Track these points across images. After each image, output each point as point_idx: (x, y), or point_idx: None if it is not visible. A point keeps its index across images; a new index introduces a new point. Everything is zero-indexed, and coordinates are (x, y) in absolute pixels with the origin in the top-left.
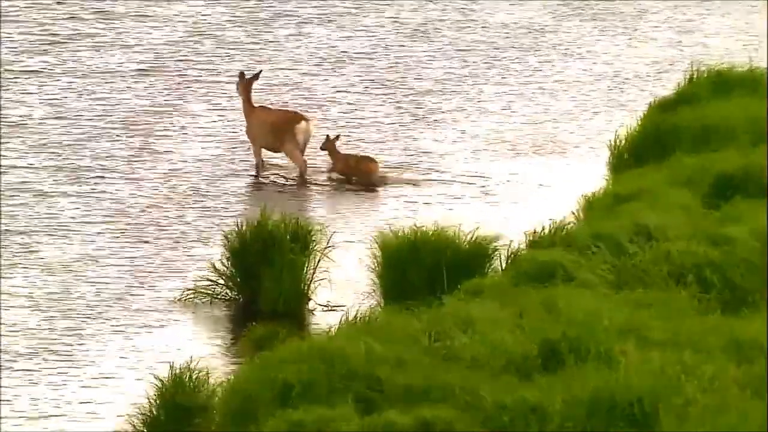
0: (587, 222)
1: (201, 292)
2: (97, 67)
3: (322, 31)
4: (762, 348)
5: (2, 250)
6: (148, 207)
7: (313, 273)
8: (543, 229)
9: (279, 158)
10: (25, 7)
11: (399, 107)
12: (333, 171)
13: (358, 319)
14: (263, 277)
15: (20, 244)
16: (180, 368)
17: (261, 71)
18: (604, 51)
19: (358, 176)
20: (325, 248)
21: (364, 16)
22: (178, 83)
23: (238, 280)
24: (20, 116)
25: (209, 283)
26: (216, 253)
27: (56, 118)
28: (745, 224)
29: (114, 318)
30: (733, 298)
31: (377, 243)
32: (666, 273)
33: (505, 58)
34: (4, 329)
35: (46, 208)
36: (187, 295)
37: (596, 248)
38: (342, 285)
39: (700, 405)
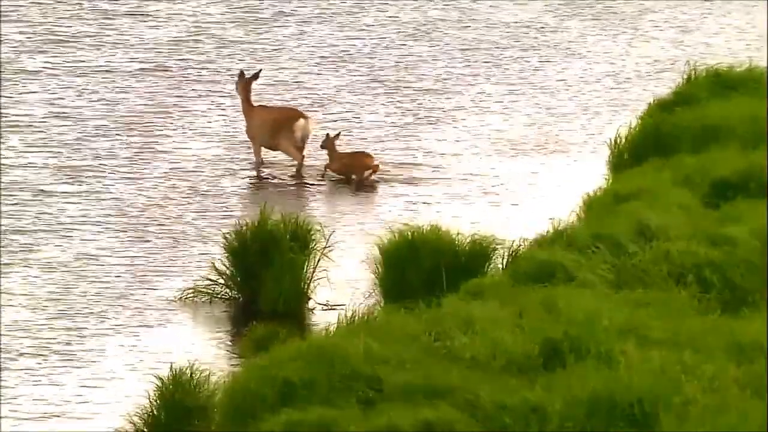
0: (587, 222)
1: (201, 292)
2: (97, 67)
3: (323, 31)
4: (762, 348)
5: (2, 249)
6: (148, 206)
7: (313, 273)
8: (545, 229)
9: (280, 158)
10: (25, 7)
11: (400, 106)
12: (330, 170)
13: (358, 318)
14: (263, 276)
15: (20, 243)
16: (180, 368)
17: (261, 70)
18: (605, 50)
19: (354, 173)
20: (325, 248)
21: (365, 15)
22: (179, 82)
23: (238, 279)
24: (20, 116)
25: (209, 282)
26: (216, 252)
27: (56, 117)
28: (745, 224)
29: (114, 317)
30: (733, 298)
31: (377, 243)
32: (666, 273)
33: (506, 57)
34: (4, 329)
35: (46, 208)
36: (187, 294)
37: (596, 248)
38: (342, 284)
39: (700, 405)
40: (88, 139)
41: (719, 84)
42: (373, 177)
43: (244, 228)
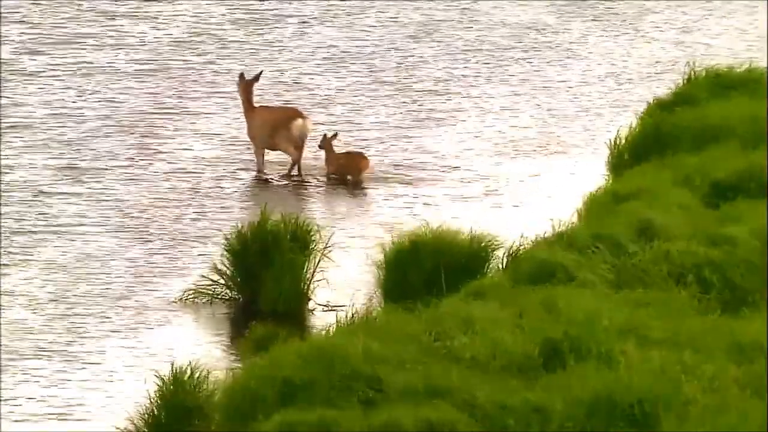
0: (587, 222)
1: (201, 292)
2: (97, 67)
3: (324, 31)
4: (762, 348)
5: (2, 249)
6: (148, 207)
7: (313, 273)
8: (545, 229)
9: (280, 158)
10: (25, 7)
11: (401, 107)
12: (328, 170)
13: (358, 318)
14: (263, 277)
15: (20, 243)
16: (180, 368)
17: (261, 72)
18: (606, 51)
19: (349, 173)
20: (326, 248)
21: (367, 16)
22: (179, 83)
23: (239, 280)
24: (20, 116)
25: (209, 283)
26: (216, 253)
27: (56, 117)
28: (745, 224)
29: (114, 318)
30: (733, 298)
31: (378, 243)
32: (666, 273)
33: (507, 58)
34: (4, 329)
35: (46, 208)
36: (188, 295)
37: (596, 248)
38: (342, 285)
39: (700, 405)
40: (88, 139)
41: (719, 84)
42: (369, 176)
43: (245, 228)
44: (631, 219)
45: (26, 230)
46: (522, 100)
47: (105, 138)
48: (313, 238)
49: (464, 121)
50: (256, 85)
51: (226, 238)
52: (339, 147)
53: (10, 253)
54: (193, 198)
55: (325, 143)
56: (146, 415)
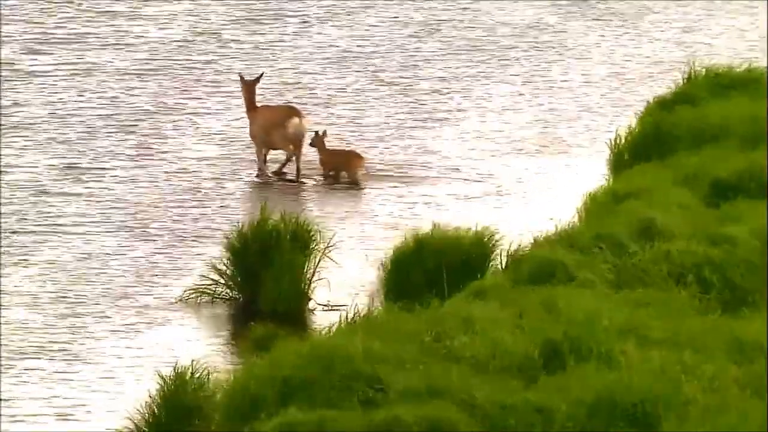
0: (587, 222)
1: (202, 292)
2: (97, 67)
3: (325, 30)
4: (762, 348)
5: (2, 249)
6: (148, 206)
7: (314, 273)
8: (545, 229)
9: (281, 158)
10: (25, 7)
11: (402, 107)
12: (323, 169)
13: (359, 318)
14: (263, 276)
15: (20, 243)
16: (181, 367)
17: (263, 74)
18: (608, 51)
19: (344, 171)
20: (326, 248)
21: (368, 15)
22: (180, 83)
23: (239, 279)
24: (21, 116)
25: (210, 282)
26: (216, 252)
27: (57, 117)
28: (745, 224)
29: (115, 317)
30: (733, 297)
31: (379, 243)
32: (666, 273)
33: (509, 57)
34: (4, 329)
35: (46, 208)
36: (188, 294)
37: (596, 248)
38: (342, 285)
39: (700, 405)
40: (88, 139)
41: (719, 84)
42: (366, 175)
43: (245, 228)
44: (631, 219)
45: (26, 230)
46: (523, 100)
47: (105, 138)
48: (313, 237)
49: (466, 120)
50: (258, 86)
51: (227, 238)
52: (337, 145)
53: (10, 253)
54: (193, 198)
55: (317, 141)
56: (146, 415)
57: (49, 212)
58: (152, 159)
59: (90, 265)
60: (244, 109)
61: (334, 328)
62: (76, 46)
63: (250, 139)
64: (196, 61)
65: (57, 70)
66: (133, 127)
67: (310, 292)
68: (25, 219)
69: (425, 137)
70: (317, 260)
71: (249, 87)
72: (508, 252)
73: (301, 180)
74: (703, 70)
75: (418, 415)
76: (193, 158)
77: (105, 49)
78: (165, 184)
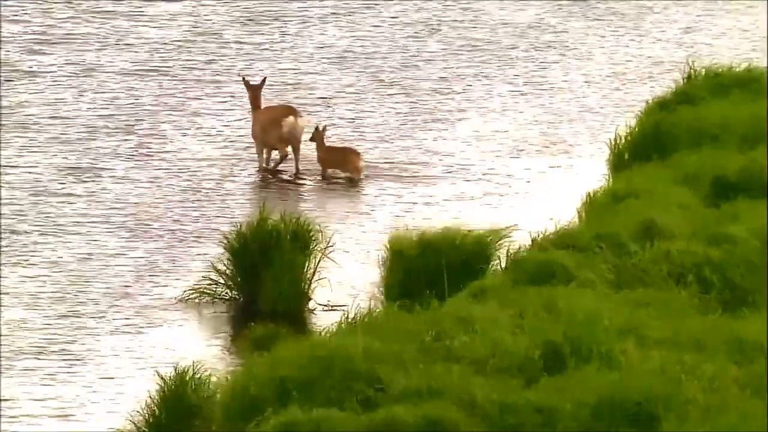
0: (587, 222)
1: (202, 292)
2: (97, 67)
3: (325, 30)
4: (762, 348)
5: (2, 249)
6: (148, 206)
7: (314, 273)
8: (546, 229)
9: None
10: (25, 7)
11: (403, 106)
12: (322, 167)
13: (359, 318)
14: (263, 277)
15: (20, 243)
16: (181, 368)
17: (265, 79)
18: (609, 51)
19: (342, 168)
20: (326, 248)
21: (369, 15)
22: (179, 83)
23: (239, 279)
24: (21, 116)
25: (210, 282)
26: (217, 252)
27: (57, 117)
28: (745, 224)
29: (115, 317)
30: (733, 297)
31: (379, 242)
32: (666, 273)
33: (509, 57)
34: (4, 328)
35: (46, 208)
36: (188, 294)
37: (597, 248)
38: (342, 285)
39: (700, 405)
40: (88, 139)
41: (719, 83)
42: (367, 174)
43: (245, 228)
44: (631, 219)
45: (26, 230)
46: (524, 100)
47: (105, 138)
48: (313, 237)
49: (466, 120)
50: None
51: (226, 238)
52: (337, 144)
53: (10, 253)
54: (193, 198)
55: (316, 136)
56: (147, 415)
57: (49, 212)
58: (152, 159)
59: (90, 265)
60: (249, 109)
61: (334, 328)
62: (76, 46)
63: (252, 138)
64: (196, 61)
65: (57, 70)
66: (133, 127)
67: (310, 292)
68: (25, 219)
69: (426, 137)
70: (317, 260)
71: (253, 90)
72: (508, 252)
73: (300, 178)
74: (703, 70)
75: (417, 415)
76: (193, 158)
77: (105, 49)
78: (165, 184)
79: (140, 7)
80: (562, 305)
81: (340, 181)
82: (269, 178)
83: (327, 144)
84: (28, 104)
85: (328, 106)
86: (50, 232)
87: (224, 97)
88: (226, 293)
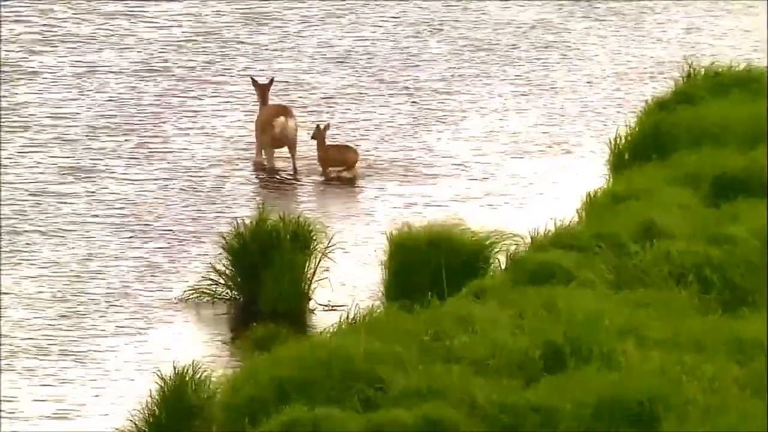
0: (587, 222)
1: (202, 292)
2: (97, 67)
3: (326, 29)
4: (762, 347)
5: (2, 249)
6: (148, 206)
7: (314, 273)
8: (546, 229)
9: (281, 158)
10: (25, 7)
11: (404, 106)
12: (322, 167)
13: (359, 318)
14: (263, 277)
15: (20, 243)
16: (181, 367)
17: (273, 79)
18: (610, 51)
19: (339, 166)
20: (326, 248)
21: (369, 15)
22: (179, 83)
23: (239, 279)
24: (21, 116)
25: (210, 282)
26: (216, 253)
27: (57, 117)
28: (745, 224)
29: (114, 317)
30: (733, 297)
31: (380, 242)
32: (666, 273)
33: (510, 57)
34: (4, 328)
35: (46, 208)
36: (188, 295)
37: (597, 248)
38: (343, 285)
39: (700, 405)
40: (89, 139)
41: (718, 83)
42: (369, 173)
43: (244, 228)
44: (631, 219)
45: (26, 230)
46: (525, 100)
47: (105, 138)
48: (313, 237)
49: (467, 120)
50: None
51: (225, 238)
52: (336, 142)
53: (10, 252)
54: (193, 198)
55: (318, 134)
56: (147, 415)
57: (49, 212)
58: (152, 159)
59: (90, 265)
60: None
61: (334, 328)
62: (76, 46)
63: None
64: (196, 61)
65: (57, 70)
66: (134, 127)
67: (310, 292)
68: (25, 219)
69: (427, 137)
70: (317, 260)
71: (260, 89)
72: (508, 252)
73: (297, 179)
74: (703, 69)
75: (417, 415)
76: (193, 158)
77: (105, 49)
78: (165, 184)
79: (140, 7)
80: (562, 305)
81: (340, 180)
82: (269, 177)
83: (327, 143)
84: (28, 104)
85: (329, 106)
86: (50, 232)
87: (225, 97)
88: (226, 293)
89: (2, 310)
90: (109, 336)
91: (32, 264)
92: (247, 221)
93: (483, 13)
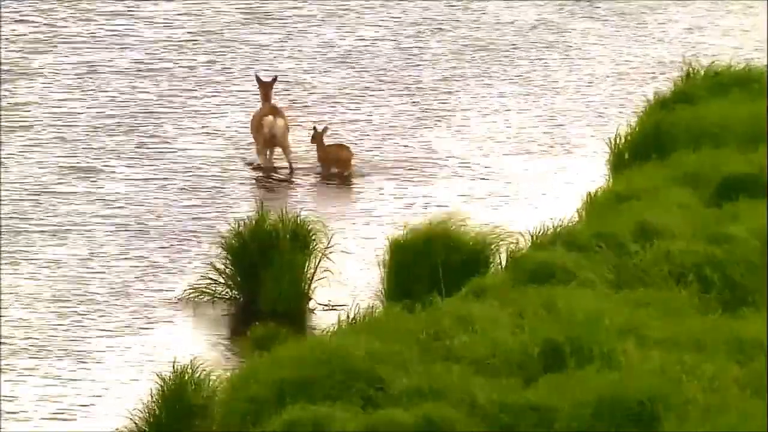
0: (588, 221)
1: (202, 292)
2: (98, 67)
3: (327, 29)
4: (762, 347)
5: (2, 249)
6: (148, 206)
7: (314, 272)
8: (546, 229)
9: (281, 157)
10: (25, 7)
11: (404, 105)
12: (321, 164)
13: (359, 318)
14: (263, 276)
15: (21, 243)
16: (181, 367)
17: (276, 77)
18: (611, 50)
19: (333, 165)
20: (326, 247)
21: (371, 14)
22: (180, 82)
23: (239, 279)
24: (21, 116)
25: (210, 282)
26: (216, 252)
27: (57, 117)
28: (745, 223)
29: (114, 317)
30: (733, 297)
31: (380, 242)
32: (666, 272)
33: (511, 56)
34: (4, 328)
35: (46, 208)
36: (188, 294)
37: (597, 248)
38: (343, 284)
39: (700, 405)
40: (89, 139)
41: (718, 82)
42: (351, 168)
43: (244, 228)
44: (631, 218)
45: (26, 230)
46: (525, 100)
47: (106, 137)
48: (313, 237)
49: (467, 120)
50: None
51: (224, 238)
52: (332, 141)
53: (10, 252)
54: (193, 198)
55: (316, 137)
56: (147, 415)
57: (48, 212)
58: (152, 159)
59: (90, 264)
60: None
61: (334, 328)
62: (76, 46)
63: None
64: (196, 61)
65: (57, 70)
66: (134, 127)
67: (310, 292)
68: (25, 219)
69: (427, 136)
70: (317, 260)
71: (263, 86)
72: (508, 251)
73: (292, 180)
74: (703, 69)
75: (417, 414)
76: (193, 158)
77: (105, 49)
78: (165, 184)
79: (141, 7)
80: (562, 305)
81: (339, 179)
82: (269, 177)
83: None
84: (28, 104)
85: (330, 106)
86: (50, 232)
87: (225, 96)
88: (226, 293)
89: (2, 309)
90: (108, 335)
91: (32, 263)
92: (248, 221)
93: (484, 13)
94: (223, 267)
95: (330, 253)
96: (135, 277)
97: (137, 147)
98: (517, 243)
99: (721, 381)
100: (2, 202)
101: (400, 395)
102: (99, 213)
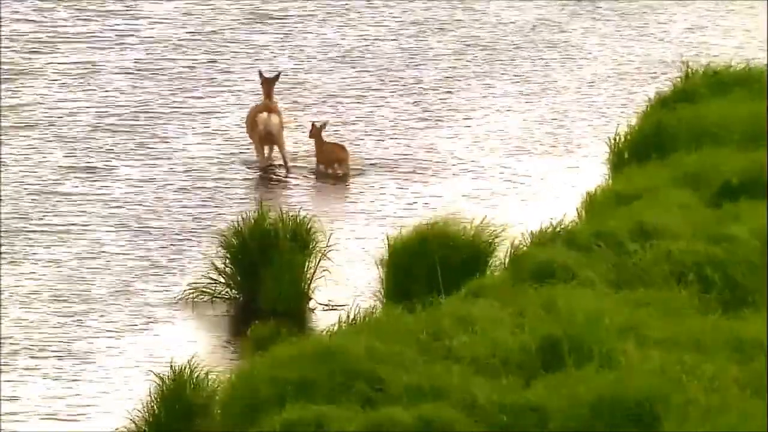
0: (588, 221)
1: (201, 291)
2: (98, 66)
3: (328, 29)
4: (762, 347)
5: (3, 249)
6: (147, 205)
7: (314, 272)
8: (546, 228)
9: (279, 157)
10: (25, 7)
11: (405, 105)
12: (319, 161)
13: (359, 317)
14: (263, 276)
15: (21, 243)
16: (181, 367)
17: (280, 74)
18: (612, 50)
19: (329, 164)
20: (326, 247)
21: (372, 14)
22: (180, 82)
23: (238, 279)
24: (21, 116)
25: (209, 281)
26: (216, 251)
27: (57, 116)
28: (746, 223)
29: (114, 316)
30: (733, 297)
31: (380, 241)
32: (667, 272)
33: (512, 56)
34: (4, 328)
35: (47, 207)
36: (188, 293)
37: (597, 247)
38: (343, 284)
39: (700, 405)
40: (89, 139)
41: (718, 82)
42: (348, 169)
43: (244, 227)
44: (631, 218)
45: (26, 230)
46: (526, 99)
47: (105, 137)
48: (313, 236)
49: (468, 119)
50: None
51: (224, 237)
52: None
53: (10, 252)
54: (193, 197)
55: (314, 133)
56: (146, 415)
57: (49, 212)
58: (152, 159)
59: (90, 264)
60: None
61: (334, 328)
62: (76, 46)
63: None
64: (196, 61)
65: (57, 70)
66: (134, 126)
67: (310, 291)
68: (25, 219)
69: (428, 136)
70: (317, 260)
71: (266, 82)
72: (508, 251)
73: (287, 178)
74: (703, 69)
75: (417, 414)
76: (193, 157)
77: (105, 49)
78: (165, 183)
79: (140, 7)
80: (562, 304)
81: (339, 179)
82: (269, 177)
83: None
84: (28, 104)
85: (331, 105)
86: (50, 231)
87: (224, 96)
88: (226, 292)
89: (2, 309)
90: (108, 335)
91: (32, 263)
92: (248, 220)
93: (485, 13)
94: (222, 266)
95: (330, 252)
96: (135, 277)
97: (137, 147)
98: (518, 242)
99: (721, 381)
100: (2, 202)
101: (400, 395)
102: (99, 213)
